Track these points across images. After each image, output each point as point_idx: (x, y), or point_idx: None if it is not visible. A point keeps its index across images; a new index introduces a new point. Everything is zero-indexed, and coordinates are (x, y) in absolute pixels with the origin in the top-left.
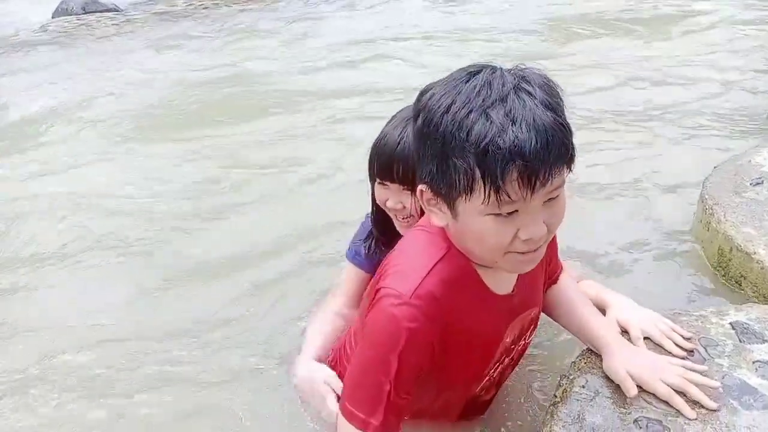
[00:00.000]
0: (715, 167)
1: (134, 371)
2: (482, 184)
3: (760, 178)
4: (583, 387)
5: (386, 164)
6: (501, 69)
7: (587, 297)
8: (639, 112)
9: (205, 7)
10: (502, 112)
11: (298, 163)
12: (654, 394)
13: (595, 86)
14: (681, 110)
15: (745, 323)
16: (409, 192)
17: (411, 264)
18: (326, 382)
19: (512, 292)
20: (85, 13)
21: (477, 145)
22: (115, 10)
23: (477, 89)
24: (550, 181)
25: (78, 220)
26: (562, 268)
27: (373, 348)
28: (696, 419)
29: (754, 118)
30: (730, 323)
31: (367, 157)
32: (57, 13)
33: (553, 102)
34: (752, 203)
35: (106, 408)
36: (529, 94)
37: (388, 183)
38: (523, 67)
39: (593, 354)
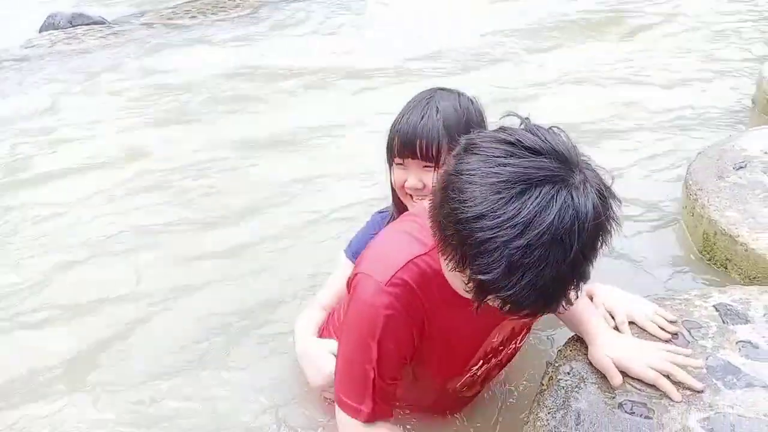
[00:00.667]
0: (699, 153)
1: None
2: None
3: (743, 162)
4: (568, 374)
5: (409, 140)
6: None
7: None
8: (624, 102)
9: (192, 16)
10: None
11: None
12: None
13: (580, 77)
14: (665, 99)
15: (729, 305)
16: (431, 169)
17: (392, 252)
18: (320, 354)
19: None
20: (72, 26)
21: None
22: (102, 22)
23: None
24: None
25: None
26: None
27: (354, 336)
28: (681, 401)
29: (737, 106)
30: (714, 305)
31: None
32: (44, 28)
33: None
34: (735, 187)
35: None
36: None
37: (409, 159)
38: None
39: (579, 341)
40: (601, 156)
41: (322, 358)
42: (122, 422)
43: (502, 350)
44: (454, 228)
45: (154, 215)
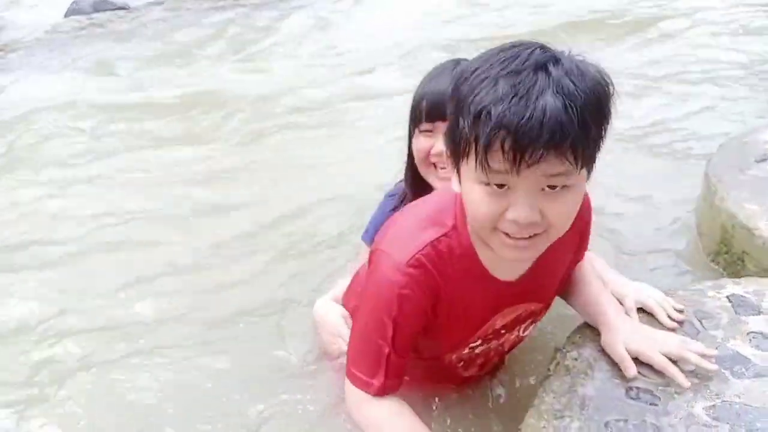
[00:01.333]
0: (720, 145)
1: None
2: (473, 148)
3: (765, 155)
4: (576, 360)
5: (437, 102)
6: (538, 46)
7: (596, 274)
8: (645, 93)
9: (215, 7)
10: (510, 83)
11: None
12: (650, 366)
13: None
14: (688, 91)
15: (742, 296)
16: None
17: (412, 232)
18: (339, 321)
19: (516, 280)
20: (96, 11)
21: (475, 108)
22: (125, 8)
23: (502, 59)
24: (537, 162)
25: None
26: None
27: (371, 313)
28: (689, 388)
29: (761, 98)
30: (727, 296)
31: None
32: (69, 13)
33: (572, 89)
34: (756, 180)
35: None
36: (549, 74)
37: (439, 122)
38: (575, 54)
39: (589, 328)
40: (617, 143)
41: (339, 325)
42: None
43: (504, 334)
44: (458, 92)
45: (170, 202)
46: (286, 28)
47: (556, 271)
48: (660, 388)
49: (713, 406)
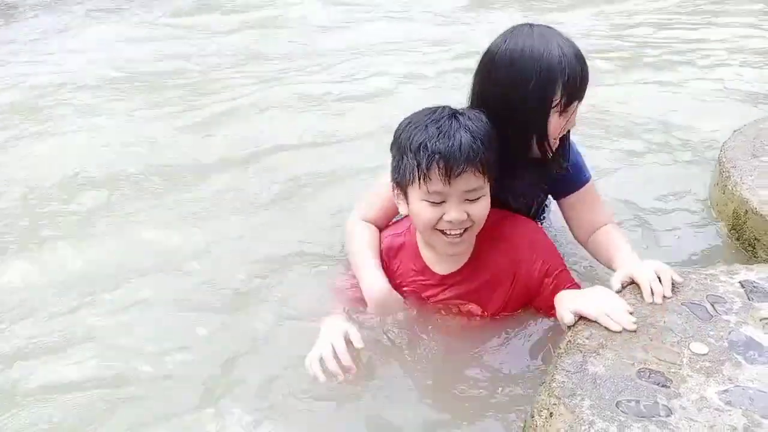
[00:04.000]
0: (734, 131)
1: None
2: (417, 174)
3: None
4: (588, 338)
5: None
6: (449, 107)
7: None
8: (658, 79)
9: None
10: (436, 126)
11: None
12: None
13: (617, 42)
14: (702, 78)
15: (755, 282)
16: None
17: (387, 229)
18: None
19: (445, 275)
20: None
21: (416, 145)
22: None
23: (426, 113)
24: (461, 174)
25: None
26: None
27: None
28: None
29: None
30: (740, 282)
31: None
32: None
33: (475, 128)
34: None
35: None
36: (459, 120)
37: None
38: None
39: None
40: (634, 130)
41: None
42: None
43: (458, 309)
44: (399, 140)
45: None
46: None
47: (501, 283)
48: (672, 370)
49: (726, 390)
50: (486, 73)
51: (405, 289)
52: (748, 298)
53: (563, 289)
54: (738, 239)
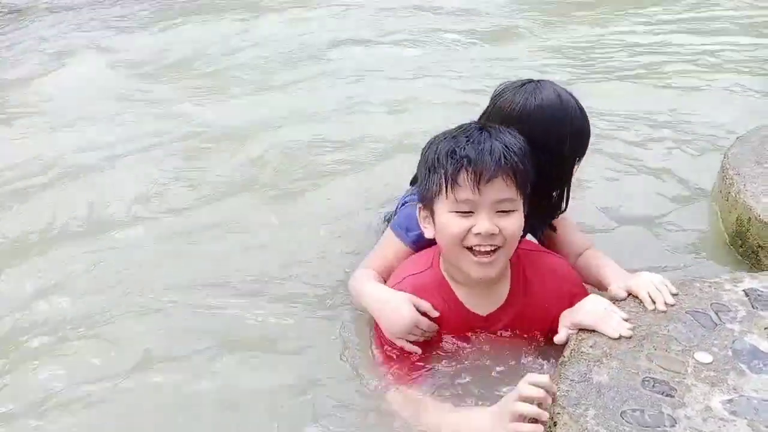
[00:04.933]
0: (737, 137)
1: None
2: (445, 183)
3: None
4: (592, 347)
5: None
6: (477, 122)
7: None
8: (663, 85)
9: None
10: (464, 136)
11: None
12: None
13: (620, 48)
14: (703, 83)
15: (759, 290)
16: None
17: (401, 270)
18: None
19: (486, 315)
20: None
21: (444, 153)
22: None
23: (454, 129)
24: (491, 181)
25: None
26: None
27: None
28: (620, 338)
29: None
30: (744, 290)
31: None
32: None
33: (507, 140)
34: None
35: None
36: (489, 132)
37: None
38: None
39: None
40: (638, 137)
41: (401, 308)
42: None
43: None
44: (426, 155)
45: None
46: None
47: (534, 323)
48: (676, 379)
49: (730, 400)
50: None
51: (440, 334)
52: (753, 307)
53: None
54: (742, 246)
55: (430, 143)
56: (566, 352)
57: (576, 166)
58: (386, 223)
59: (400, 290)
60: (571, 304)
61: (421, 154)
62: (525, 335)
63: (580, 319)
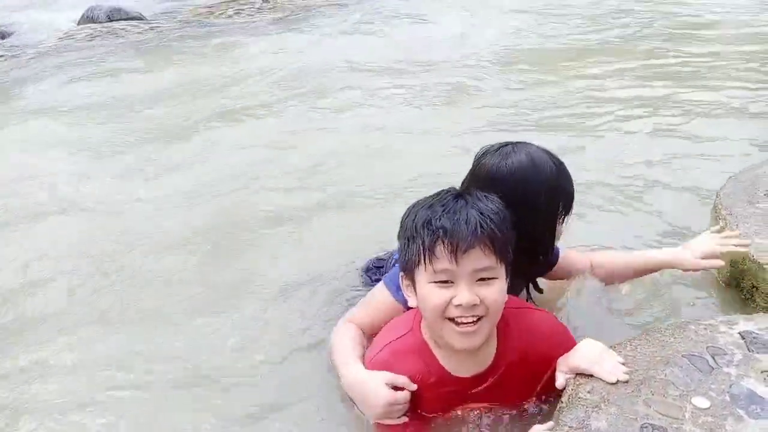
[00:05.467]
0: (729, 177)
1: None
2: (423, 254)
3: None
4: (589, 393)
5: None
6: (455, 188)
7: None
8: (655, 124)
9: (228, 16)
10: (441, 205)
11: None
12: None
13: (613, 96)
14: (698, 123)
15: (755, 333)
16: None
17: (381, 338)
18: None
19: (470, 377)
20: (110, 21)
21: (420, 224)
22: (140, 18)
23: (432, 196)
24: (468, 251)
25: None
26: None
27: None
28: (618, 382)
29: None
30: (740, 333)
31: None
32: (82, 20)
33: (484, 207)
34: (767, 214)
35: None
36: (466, 200)
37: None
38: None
39: None
40: (628, 173)
41: (377, 391)
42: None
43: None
44: (405, 223)
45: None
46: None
47: (522, 381)
48: (675, 425)
49: None
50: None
51: (425, 400)
52: (748, 350)
53: None
54: (736, 287)
55: (409, 211)
56: (564, 398)
57: (561, 222)
58: (364, 274)
59: (380, 359)
60: (559, 356)
61: (401, 222)
62: (513, 394)
63: (577, 364)
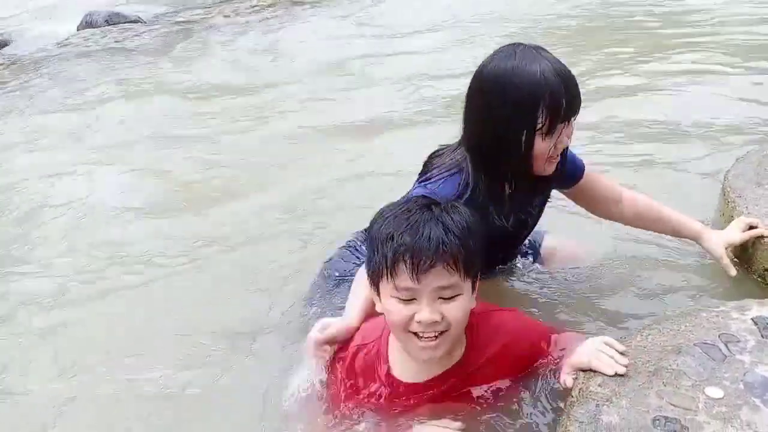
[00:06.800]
0: (737, 159)
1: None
2: (385, 269)
3: None
4: (600, 386)
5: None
6: (424, 197)
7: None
8: (664, 105)
9: (226, 16)
10: (405, 219)
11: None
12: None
13: (621, 84)
14: (706, 104)
15: None
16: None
17: (358, 334)
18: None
19: (422, 383)
20: (109, 25)
21: (383, 238)
22: (138, 21)
23: (400, 203)
24: (429, 270)
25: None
26: None
27: None
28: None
29: None
30: (752, 319)
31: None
32: (81, 26)
33: (448, 221)
34: None
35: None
36: (432, 211)
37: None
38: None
39: None
40: (635, 156)
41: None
42: None
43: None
44: (372, 233)
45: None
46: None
47: (489, 387)
48: (687, 417)
49: None
50: (471, 96)
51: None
52: (762, 336)
53: (566, 344)
54: (747, 270)
55: (377, 217)
56: (574, 392)
57: (557, 135)
58: (327, 262)
59: (347, 363)
60: (531, 353)
61: (370, 223)
62: (484, 392)
63: (577, 361)
